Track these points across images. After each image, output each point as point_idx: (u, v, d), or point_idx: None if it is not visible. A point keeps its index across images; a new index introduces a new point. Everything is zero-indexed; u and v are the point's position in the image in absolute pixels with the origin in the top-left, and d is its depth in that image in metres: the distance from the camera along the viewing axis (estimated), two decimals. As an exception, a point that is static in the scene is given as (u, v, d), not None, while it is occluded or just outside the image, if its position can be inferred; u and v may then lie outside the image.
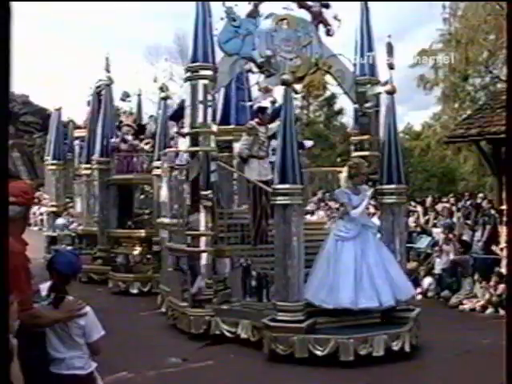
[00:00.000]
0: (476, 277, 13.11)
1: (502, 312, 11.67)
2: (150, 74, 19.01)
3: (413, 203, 18.68)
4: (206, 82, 9.96)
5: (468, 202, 19.17)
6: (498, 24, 24.38)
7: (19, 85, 57.98)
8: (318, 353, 8.38)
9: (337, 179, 11.30)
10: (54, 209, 19.31)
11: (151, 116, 16.37)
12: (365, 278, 8.88)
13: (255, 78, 12.01)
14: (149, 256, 15.11)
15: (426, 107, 52.21)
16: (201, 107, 9.94)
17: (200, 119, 9.94)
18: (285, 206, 8.66)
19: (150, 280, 14.74)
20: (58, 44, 69.51)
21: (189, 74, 10.05)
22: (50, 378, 4.48)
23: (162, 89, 15.10)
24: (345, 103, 41.26)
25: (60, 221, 18.47)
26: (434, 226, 16.56)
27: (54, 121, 19.57)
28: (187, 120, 10.15)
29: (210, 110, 10.03)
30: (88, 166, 17.39)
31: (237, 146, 11.68)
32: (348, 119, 43.28)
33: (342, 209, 9.56)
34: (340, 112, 43.37)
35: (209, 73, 10.00)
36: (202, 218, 9.92)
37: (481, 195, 19.35)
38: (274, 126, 10.92)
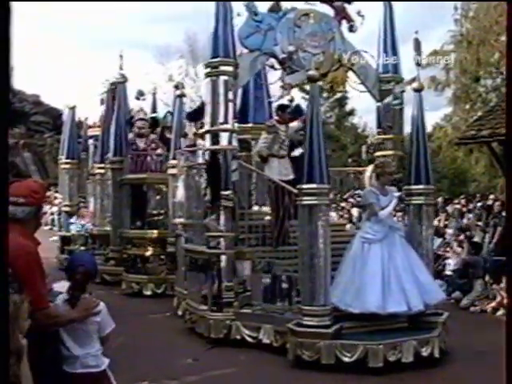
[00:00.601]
0: (487, 278, 12.99)
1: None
2: (161, 75, 18.62)
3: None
4: (226, 78, 9.64)
5: (479, 204, 18.99)
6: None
7: (30, 85, 58.47)
8: (346, 359, 8.05)
9: (357, 179, 11.03)
10: (68, 208, 19.07)
11: (151, 118, 15.92)
12: (393, 281, 8.57)
13: (273, 76, 11.75)
14: (162, 257, 14.81)
15: (437, 108, 51.82)
16: (222, 104, 9.62)
17: (221, 117, 9.62)
18: (311, 207, 8.33)
19: (164, 282, 14.43)
20: (67, 44, 69.40)
21: (209, 70, 9.73)
22: (63, 377, 4.46)
23: (177, 87, 14.84)
24: (356, 104, 41.28)
25: (75, 221, 18.23)
26: (445, 227, 16.34)
27: (68, 119, 19.31)
28: (207, 117, 9.82)
29: (231, 108, 9.70)
30: (102, 165, 17.12)
31: (256, 145, 11.34)
32: (359, 120, 43.12)
33: (368, 210, 9.23)
34: (351, 113, 43.13)
35: (230, 69, 9.69)
36: (222, 218, 9.60)
37: (492, 197, 19.28)
38: (295, 124, 10.61)
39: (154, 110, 17.96)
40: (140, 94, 16.74)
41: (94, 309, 4.46)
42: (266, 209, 11.49)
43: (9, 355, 3.10)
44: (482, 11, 28.93)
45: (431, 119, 42.71)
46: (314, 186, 8.34)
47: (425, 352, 8.37)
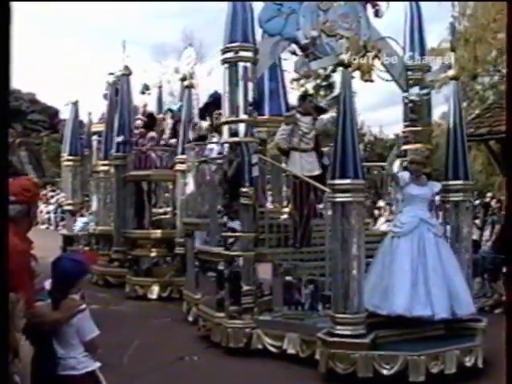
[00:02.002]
0: (485, 276, 12.68)
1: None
2: (158, 73, 17.76)
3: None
4: (246, 64, 8.86)
5: (477, 202, 18.60)
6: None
7: (26, 83, 57.63)
8: (385, 372, 7.27)
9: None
10: (70, 207, 18.32)
11: (168, 109, 15.14)
12: (420, 281, 7.84)
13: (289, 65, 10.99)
14: (168, 258, 14.04)
15: (435, 106, 51.15)
16: (241, 93, 8.85)
17: (241, 107, 8.84)
18: (344, 204, 7.55)
19: (169, 284, 13.68)
20: (63, 42, 68.54)
21: (227, 56, 8.94)
22: (46, 378, 4.34)
23: (183, 79, 14.08)
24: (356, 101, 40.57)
25: (78, 220, 17.49)
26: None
27: (71, 115, 18.53)
28: (225, 108, 9.04)
29: (250, 97, 8.93)
30: (105, 162, 16.30)
31: (274, 138, 10.55)
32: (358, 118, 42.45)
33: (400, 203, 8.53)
34: (350, 111, 42.23)
35: (249, 54, 8.92)
36: (243, 217, 8.82)
37: (489, 194, 19.12)
38: (326, 117, 9.86)
39: (159, 104, 17.17)
40: (146, 88, 15.93)
41: (78, 311, 4.38)
42: (284, 207, 10.78)
43: (8, 355, 3.16)
44: (479, 9, 28.46)
45: None
46: (347, 181, 7.55)
47: (468, 362, 7.63)
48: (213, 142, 10.86)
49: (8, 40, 2.51)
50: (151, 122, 14.80)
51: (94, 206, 17.20)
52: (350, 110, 7.72)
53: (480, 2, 28.09)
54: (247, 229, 8.82)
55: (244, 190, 8.76)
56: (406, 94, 10.36)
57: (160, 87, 17.41)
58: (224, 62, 9.00)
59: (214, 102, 11.75)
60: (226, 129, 9.11)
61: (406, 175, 8.37)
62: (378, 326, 7.82)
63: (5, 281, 2.82)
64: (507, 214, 4.02)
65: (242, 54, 8.86)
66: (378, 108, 67.88)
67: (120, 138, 14.84)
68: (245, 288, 8.77)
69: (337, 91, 22.97)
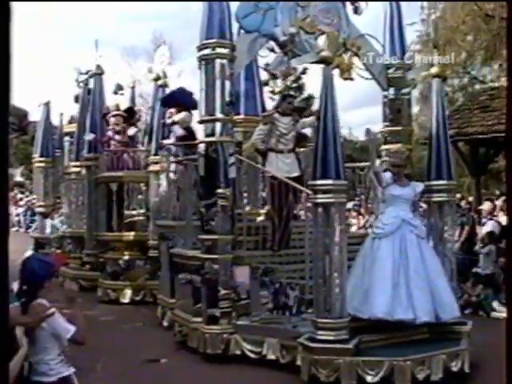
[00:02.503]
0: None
1: (480, 312, 11.57)
2: (128, 76, 17.46)
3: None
4: (223, 61, 8.59)
5: None
6: (476, 25, 23.73)
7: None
8: (369, 378, 7.02)
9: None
10: (42, 209, 17.87)
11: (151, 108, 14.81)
12: (401, 283, 7.62)
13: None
14: (140, 262, 13.69)
15: None
16: (218, 91, 8.56)
17: (217, 105, 8.57)
18: (326, 206, 7.30)
19: (142, 288, 13.34)
20: (33, 42, 67.48)
21: (203, 53, 8.65)
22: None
23: (157, 79, 13.77)
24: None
25: (49, 222, 17.10)
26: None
27: (42, 116, 18.10)
28: (201, 106, 8.76)
29: (227, 95, 8.65)
30: (77, 163, 15.97)
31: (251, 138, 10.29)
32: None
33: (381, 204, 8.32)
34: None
35: (226, 51, 8.63)
36: (219, 219, 8.53)
37: (458, 196, 18.96)
38: (309, 120, 9.64)
39: (133, 104, 16.82)
40: (119, 88, 15.51)
41: (47, 314, 4.32)
42: (260, 209, 10.56)
43: (8, 355, 3.22)
44: (448, 11, 28.50)
45: None
46: (329, 181, 7.30)
47: (455, 367, 7.42)
48: (186, 143, 10.57)
49: (8, 40, 2.52)
50: (131, 116, 14.44)
51: (66, 208, 16.82)
52: (332, 108, 7.48)
53: (449, 5, 28.07)
54: (224, 231, 8.54)
55: (220, 191, 8.49)
56: (385, 93, 10.16)
57: (133, 87, 17.08)
58: (200, 59, 8.71)
59: (168, 102, 11.53)
60: (202, 128, 8.84)
61: (387, 175, 8.17)
62: (361, 330, 7.57)
63: (5, 281, 2.74)
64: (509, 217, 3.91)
65: (218, 50, 8.57)
66: (348, 109, 67.87)
67: (90, 137, 14.47)
68: (222, 292, 8.49)
69: (307, 93, 22.86)
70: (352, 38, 9.65)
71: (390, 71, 10.04)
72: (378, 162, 9.16)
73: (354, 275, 7.85)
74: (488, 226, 13.23)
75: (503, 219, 13.85)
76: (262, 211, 10.65)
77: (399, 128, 10.03)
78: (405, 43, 10.31)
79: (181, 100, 11.36)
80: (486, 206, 14.46)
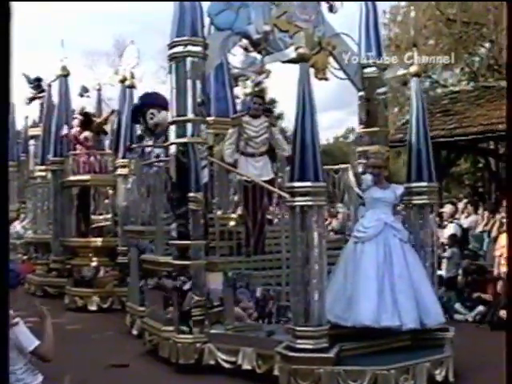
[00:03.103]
0: None
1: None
2: (89, 79, 17.02)
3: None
4: (195, 59, 8.26)
5: None
6: (437, 29, 23.80)
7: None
8: (351, 389, 6.74)
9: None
10: (7, 214, 17.26)
11: (114, 111, 14.39)
12: (386, 289, 7.32)
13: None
14: (108, 268, 13.29)
15: None
16: (189, 90, 8.23)
17: (189, 105, 8.23)
18: (304, 209, 6.99)
19: (110, 295, 12.99)
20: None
21: (174, 51, 8.31)
22: None
23: (123, 80, 13.40)
24: (285, 107, 40.49)
25: (17, 228, 16.65)
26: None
27: (7, 118, 17.48)
28: (172, 106, 8.42)
29: (199, 95, 8.32)
30: (42, 167, 15.51)
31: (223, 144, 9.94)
32: (288, 124, 42.26)
33: (361, 207, 8.06)
34: (280, 117, 41.93)
35: (199, 49, 8.29)
36: (191, 224, 8.18)
37: None
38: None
39: (99, 107, 16.39)
40: (84, 91, 15.06)
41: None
42: (232, 213, 10.23)
43: (8, 355, 3.04)
44: (410, 15, 28.58)
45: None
46: (308, 184, 6.98)
47: (439, 375, 7.15)
48: (157, 146, 10.20)
49: (8, 40, 2.49)
50: (87, 120, 13.98)
51: (31, 213, 16.37)
52: (310, 107, 7.16)
53: (410, 9, 28.09)
54: (197, 236, 8.20)
55: (192, 194, 8.14)
56: (361, 93, 9.92)
57: (99, 90, 16.62)
58: (171, 57, 8.37)
59: (144, 102, 11.14)
60: (173, 129, 8.49)
61: (367, 178, 7.90)
62: (340, 338, 7.27)
63: (5, 281, 2.70)
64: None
65: (190, 48, 8.22)
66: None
67: (65, 130, 14.00)
68: (195, 299, 8.14)
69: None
70: (327, 36, 9.40)
71: (366, 71, 9.80)
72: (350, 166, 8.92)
73: (335, 281, 7.55)
74: (450, 229, 13.07)
75: (465, 222, 13.74)
76: (234, 216, 10.31)
77: (376, 129, 9.78)
78: (380, 43, 10.09)
79: (155, 101, 10.99)
80: (447, 208, 14.29)
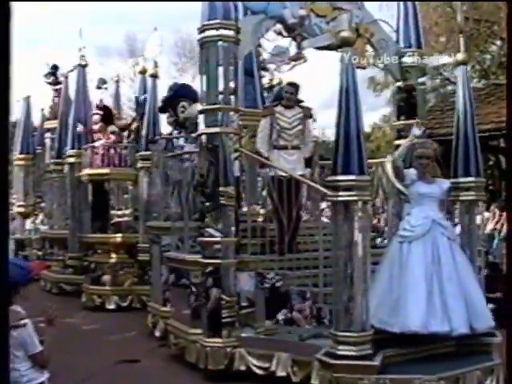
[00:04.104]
0: None
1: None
2: (100, 75, 16.49)
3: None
4: (227, 44, 7.73)
5: None
6: (448, 27, 23.33)
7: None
8: (398, 399, 6.21)
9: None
10: (22, 209, 17.07)
11: (135, 119, 13.80)
12: (435, 292, 6.76)
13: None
14: (127, 266, 12.79)
15: (376, 109, 51.59)
16: (221, 77, 7.70)
17: (221, 93, 7.71)
18: (348, 204, 6.46)
19: (129, 293, 12.50)
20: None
21: (205, 35, 7.78)
22: None
23: (143, 72, 12.93)
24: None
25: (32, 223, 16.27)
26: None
27: (22, 111, 17.38)
28: (202, 94, 7.90)
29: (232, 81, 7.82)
30: (59, 160, 15.05)
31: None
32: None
33: (406, 204, 7.51)
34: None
35: (231, 33, 7.77)
36: (223, 220, 7.66)
37: None
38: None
39: (117, 99, 15.89)
40: (102, 83, 14.52)
41: (18, 322, 4.27)
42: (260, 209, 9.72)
43: (8, 355, 2.97)
44: (421, 12, 28.22)
45: (370, 120, 42.46)
46: (352, 177, 6.46)
47: (489, 384, 6.63)
48: (183, 136, 9.69)
49: (8, 40, 2.42)
50: (107, 114, 13.49)
51: (47, 207, 15.91)
52: (354, 96, 6.63)
53: (422, 7, 27.78)
54: (228, 233, 7.67)
55: (224, 189, 7.62)
56: (399, 84, 9.38)
57: (117, 82, 16.12)
58: (201, 42, 7.84)
59: (176, 94, 10.63)
60: (202, 119, 7.98)
61: (411, 172, 7.35)
62: (380, 343, 6.74)
63: (5, 282, 2.64)
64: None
65: (222, 32, 7.71)
66: (320, 109, 67.27)
67: (81, 128, 13.56)
68: (225, 299, 7.63)
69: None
70: (365, 22, 8.87)
71: (405, 60, 9.25)
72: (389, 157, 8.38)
73: (380, 283, 7.00)
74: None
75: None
76: (262, 211, 9.79)
77: (415, 121, 9.22)
78: (420, 31, 9.50)
79: (186, 93, 10.48)
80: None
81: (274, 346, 7.37)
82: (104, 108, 13.69)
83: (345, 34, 6.81)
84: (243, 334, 7.66)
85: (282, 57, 9.12)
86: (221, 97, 7.77)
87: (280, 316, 8.08)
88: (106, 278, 12.66)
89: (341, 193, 6.48)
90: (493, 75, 24.27)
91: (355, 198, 6.44)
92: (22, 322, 4.32)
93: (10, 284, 4.07)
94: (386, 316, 6.77)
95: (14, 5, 2.47)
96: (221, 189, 7.61)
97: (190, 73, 38.15)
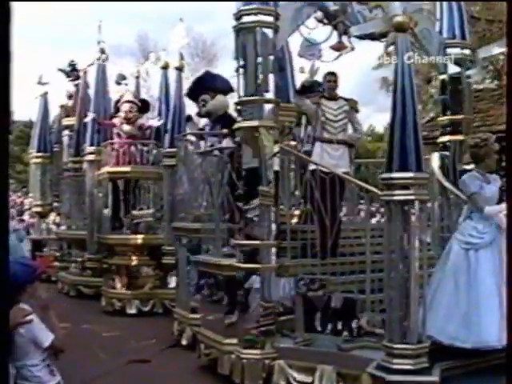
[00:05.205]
0: None
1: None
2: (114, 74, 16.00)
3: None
4: (267, 30, 7.14)
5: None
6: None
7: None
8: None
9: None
10: (39, 209, 16.68)
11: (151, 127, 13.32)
12: (505, 302, 6.18)
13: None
14: (149, 268, 12.24)
15: (389, 109, 51.61)
16: (260, 66, 7.11)
17: (259, 83, 7.11)
18: (405, 204, 5.89)
19: (151, 298, 11.93)
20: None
21: (242, 21, 7.16)
22: None
23: (165, 67, 12.42)
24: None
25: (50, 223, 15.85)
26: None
27: (40, 108, 16.96)
28: (239, 84, 7.30)
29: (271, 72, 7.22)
30: (77, 158, 14.60)
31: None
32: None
33: (468, 204, 6.89)
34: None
35: (270, 19, 7.17)
36: (261, 222, 7.07)
37: None
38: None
39: (137, 95, 15.35)
40: (121, 78, 13.93)
41: (23, 319, 4.22)
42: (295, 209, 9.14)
43: (8, 355, 3.37)
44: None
45: (383, 120, 42.12)
46: (409, 174, 5.89)
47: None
48: (212, 133, 9.12)
49: (8, 41, 2.51)
50: (145, 107, 12.94)
51: (65, 207, 15.44)
52: (411, 86, 6.08)
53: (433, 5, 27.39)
54: (267, 236, 7.08)
55: (262, 188, 7.03)
56: (443, 77, 8.80)
57: (137, 77, 15.57)
58: (238, 29, 7.24)
59: (200, 85, 10.03)
60: (238, 112, 7.41)
61: (476, 176, 6.73)
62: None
63: (5, 281, 2.69)
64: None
65: (261, 18, 7.11)
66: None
67: (90, 116, 13.05)
68: (264, 306, 7.04)
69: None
70: (408, 11, 8.26)
71: (450, 51, 8.67)
72: (436, 156, 7.82)
73: (444, 294, 6.43)
74: None
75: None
76: (297, 212, 9.22)
77: (460, 117, 8.65)
78: (464, 21, 8.93)
79: (213, 84, 9.82)
80: None
81: (317, 357, 6.79)
82: (142, 101, 13.13)
83: (399, 18, 6.27)
84: (282, 345, 7.08)
85: (313, 50, 8.57)
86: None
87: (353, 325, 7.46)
88: (123, 280, 12.10)
89: (397, 191, 5.92)
90: (506, 76, 23.85)
91: (413, 197, 5.88)
92: (28, 318, 4.26)
93: (16, 283, 4.15)
94: (453, 331, 6.22)
95: (13, 5, 2.53)
96: (260, 188, 7.02)
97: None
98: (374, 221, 15.30)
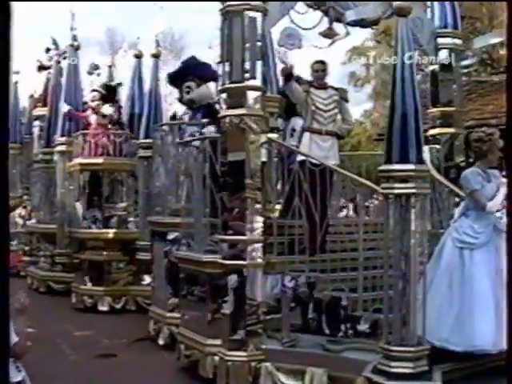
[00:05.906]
0: None
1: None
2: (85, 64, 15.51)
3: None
4: (255, 14, 6.72)
5: None
6: (462, 26, 23.09)
7: None
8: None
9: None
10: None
11: (119, 83, 12.92)
12: (500, 305, 5.87)
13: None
14: (121, 264, 11.79)
15: (357, 104, 51.44)
16: (248, 52, 6.69)
17: (246, 69, 6.70)
18: (406, 198, 5.56)
19: (123, 294, 11.51)
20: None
21: (229, 4, 6.74)
22: None
23: (138, 56, 11.97)
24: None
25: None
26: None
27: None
28: (224, 70, 6.88)
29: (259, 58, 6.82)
30: (48, 149, 14.08)
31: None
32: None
33: (466, 201, 6.58)
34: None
35: (258, 2, 6.76)
36: (248, 216, 6.67)
37: None
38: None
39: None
40: (93, 68, 13.45)
41: None
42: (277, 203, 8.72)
43: (8, 355, 3.17)
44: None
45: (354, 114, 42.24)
46: (410, 166, 5.56)
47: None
48: (192, 124, 8.70)
49: (8, 41, 2.45)
50: (109, 93, 12.42)
51: (35, 200, 14.93)
52: (411, 74, 5.75)
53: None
54: (254, 231, 6.68)
55: (249, 181, 6.63)
56: (433, 67, 8.50)
57: (110, 66, 15.07)
58: (224, 12, 6.81)
59: (186, 71, 9.55)
60: (223, 98, 7.00)
61: (478, 172, 6.41)
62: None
63: (5, 281, 2.49)
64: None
65: (249, 1, 6.71)
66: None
67: (65, 108, 12.55)
68: (251, 305, 6.64)
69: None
70: (400, -2, 7.95)
71: (441, 41, 8.39)
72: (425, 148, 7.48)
73: (437, 294, 6.11)
74: None
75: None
76: (278, 207, 8.81)
77: (452, 109, 8.36)
78: (457, 9, 8.65)
79: (201, 71, 9.32)
80: None
81: (306, 359, 6.43)
82: (107, 87, 12.63)
83: (400, 2, 5.91)
84: (270, 346, 6.69)
85: (293, 39, 8.15)
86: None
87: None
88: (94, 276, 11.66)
89: (396, 185, 5.58)
90: (474, 72, 23.93)
91: (413, 190, 5.55)
92: None
93: None
94: (445, 333, 5.92)
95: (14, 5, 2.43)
96: (246, 180, 6.62)
97: (171, 66, 37.57)
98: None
